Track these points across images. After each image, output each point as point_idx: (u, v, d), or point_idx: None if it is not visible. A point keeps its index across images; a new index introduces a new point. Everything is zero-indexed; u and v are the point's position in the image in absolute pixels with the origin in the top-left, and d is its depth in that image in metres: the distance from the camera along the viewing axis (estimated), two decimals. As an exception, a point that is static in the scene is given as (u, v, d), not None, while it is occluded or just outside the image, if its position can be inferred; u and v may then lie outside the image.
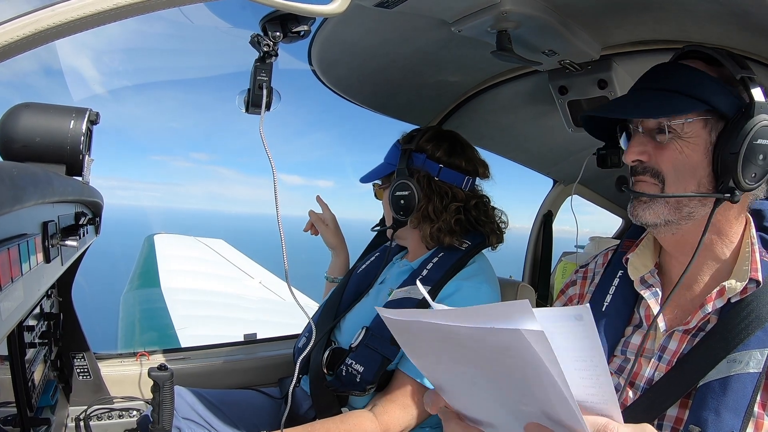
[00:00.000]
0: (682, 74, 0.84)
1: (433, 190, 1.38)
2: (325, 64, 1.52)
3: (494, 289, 1.35)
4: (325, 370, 1.32)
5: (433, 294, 1.29)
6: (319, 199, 1.73)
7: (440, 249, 1.40)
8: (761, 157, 0.78)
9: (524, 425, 0.58)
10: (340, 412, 1.28)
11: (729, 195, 0.79)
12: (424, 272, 1.34)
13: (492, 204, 1.48)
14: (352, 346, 1.29)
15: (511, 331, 0.47)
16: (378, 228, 1.72)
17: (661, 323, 0.86)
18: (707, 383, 0.75)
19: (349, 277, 1.58)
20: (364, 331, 1.30)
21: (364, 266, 1.59)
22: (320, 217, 1.71)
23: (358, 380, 1.24)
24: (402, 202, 1.36)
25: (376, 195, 1.55)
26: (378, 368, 1.24)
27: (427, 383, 1.22)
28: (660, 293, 0.90)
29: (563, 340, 0.48)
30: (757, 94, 0.79)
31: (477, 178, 1.46)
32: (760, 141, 0.78)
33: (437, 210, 1.38)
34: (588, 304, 0.52)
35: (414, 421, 1.24)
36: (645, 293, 0.89)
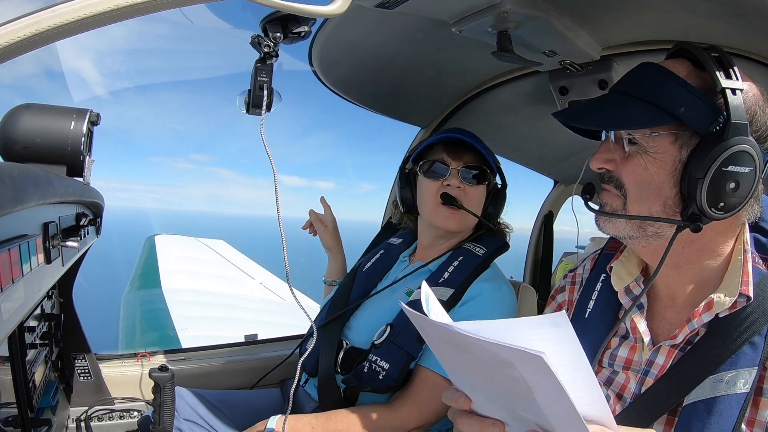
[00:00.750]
0: (657, 80, 0.76)
1: None
2: (325, 64, 1.52)
3: (511, 290, 1.38)
4: (339, 371, 1.31)
5: (457, 296, 1.30)
6: (323, 201, 1.74)
7: (458, 253, 1.41)
8: (732, 185, 0.70)
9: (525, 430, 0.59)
10: None
11: (690, 224, 0.72)
12: (446, 275, 1.35)
13: None
14: (376, 342, 1.28)
15: (518, 353, 0.48)
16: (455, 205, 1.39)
17: (647, 337, 0.81)
18: (693, 403, 0.71)
19: (354, 276, 1.57)
20: (389, 328, 1.29)
21: (369, 264, 1.56)
22: (320, 218, 1.71)
23: (381, 377, 1.24)
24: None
25: (459, 184, 1.38)
26: (403, 366, 1.23)
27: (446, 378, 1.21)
28: (645, 305, 0.85)
29: (545, 348, 0.49)
30: (736, 110, 0.70)
31: None
32: (731, 168, 0.70)
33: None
34: (564, 311, 0.52)
35: (431, 419, 1.24)
36: (629, 306, 0.84)
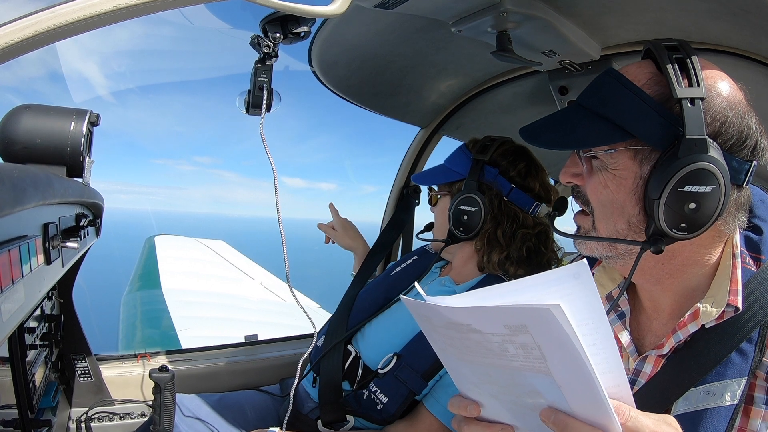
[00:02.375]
0: (613, 92, 0.71)
1: (503, 211, 1.28)
2: (325, 64, 1.52)
3: None
4: (343, 378, 1.29)
5: None
6: (331, 207, 1.80)
7: (490, 280, 1.30)
8: (692, 206, 0.65)
9: (538, 414, 0.57)
10: (345, 419, 1.27)
11: (650, 245, 0.68)
12: None
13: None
14: (380, 371, 1.24)
15: (530, 310, 0.47)
16: (423, 237, 1.53)
17: (631, 348, 0.79)
18: (679, 415, 0.68)
19: (364, 277, 1.54)
20: (395, 359, 1.23)
21: (398, 269, 1.50)
22: (329, 225, 1.78)
23: (378, 408, 1.21)
24: (465, 217, 1.26)
25: (429, 200, 1.44)
26: (403, 402, 1.20)
27: (450, 425, 1.17)
28: (628, 314, 0.82)
29: (565, 304, 0.46)
30: (693, 124, 0.64)
31: (542, 205, 1.34)
32: (687, 188, 0.65)
33: (506, 235, 1.27)
34: (585, 260, 0.49)
35: None
36: (610, 316, 0.81)
